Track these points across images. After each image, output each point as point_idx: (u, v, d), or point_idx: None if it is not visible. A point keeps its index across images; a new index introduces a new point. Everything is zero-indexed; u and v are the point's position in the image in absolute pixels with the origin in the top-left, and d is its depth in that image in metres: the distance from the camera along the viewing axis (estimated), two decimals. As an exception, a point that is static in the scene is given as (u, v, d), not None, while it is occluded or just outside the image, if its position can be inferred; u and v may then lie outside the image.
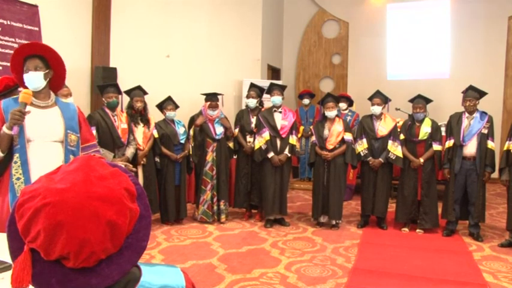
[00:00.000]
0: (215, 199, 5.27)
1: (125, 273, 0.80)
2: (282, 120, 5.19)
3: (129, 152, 4.59)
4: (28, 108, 2.50)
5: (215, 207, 5.28)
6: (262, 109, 5.44)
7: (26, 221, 0.74)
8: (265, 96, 5.65)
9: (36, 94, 2.59)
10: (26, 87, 2.57)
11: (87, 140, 2.81)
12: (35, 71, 2.54)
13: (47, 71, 2.58)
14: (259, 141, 5.13)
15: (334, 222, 5.12)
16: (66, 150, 2.62)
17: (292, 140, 5.19)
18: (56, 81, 2.67)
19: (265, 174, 5.16)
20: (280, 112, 5.23)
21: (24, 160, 2.54)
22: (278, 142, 5.17)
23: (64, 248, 0.73)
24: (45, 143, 2.58)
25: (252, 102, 5.38)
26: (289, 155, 5.17)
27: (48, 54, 2.59)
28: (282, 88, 5.36)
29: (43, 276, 0.76)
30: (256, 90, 5.44)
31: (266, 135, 5.13)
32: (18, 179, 2.54)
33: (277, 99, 5.21)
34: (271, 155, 5.10)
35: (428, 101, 5.05)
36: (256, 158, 5.18)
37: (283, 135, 5.15)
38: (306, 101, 7.58)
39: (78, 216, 0.73)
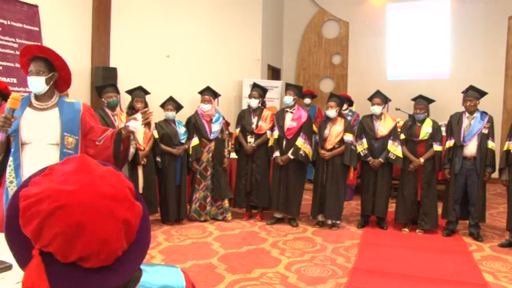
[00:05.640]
0: (208, 199, 5.31)
1: (137, 269, 0.80)
2: (290, 121, 5.17)
3: (131, 150, 4.62)
4: (27, 110, 2.50)
5: (208, 207, 5.31)
6: (264, 109, 5.45)
7: (36, 225, 0.72)
8: (267, 96, 5.70)
9: (37, 96, 2.58)
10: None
11: (102, 132, 2.66)
12: (37, 76, 2.51)
13: (50, 74, 2.54)
14: (271, 139, 5.25)
15: (330, 221, 5.13)
16: (62, 154, 2.53)
17: (299, 142, 5.06)
18: (62, 84, 2.65)
19: (274, 172, 5.27)
20: (292, 112, 5.21)
21: (18, 164, 2.51)
22: (284, 142, 5.18)
23: (84, 249, 0.72)
24: (41, 145, 2.53)
25: (254, 102, 5.37)
26: (291, 157, 5.07)
27: (53, 57, 2.55)
28: (297, 88, 5.39)
29: (59, 280, 0.74)
30: (259, 91, 5.44)
31: (276, 134, 5.21)
32: (11, 182, 2.51)
33: (287, 99, 5.22)
34: (276, 154, 5.14)
35: (430, 101, 5.05)
36: (269, 153, 5.31)
37: (289, 136, 5.13)
38: (307, 100, 7.48)
39: (97, 216, 0.73)
